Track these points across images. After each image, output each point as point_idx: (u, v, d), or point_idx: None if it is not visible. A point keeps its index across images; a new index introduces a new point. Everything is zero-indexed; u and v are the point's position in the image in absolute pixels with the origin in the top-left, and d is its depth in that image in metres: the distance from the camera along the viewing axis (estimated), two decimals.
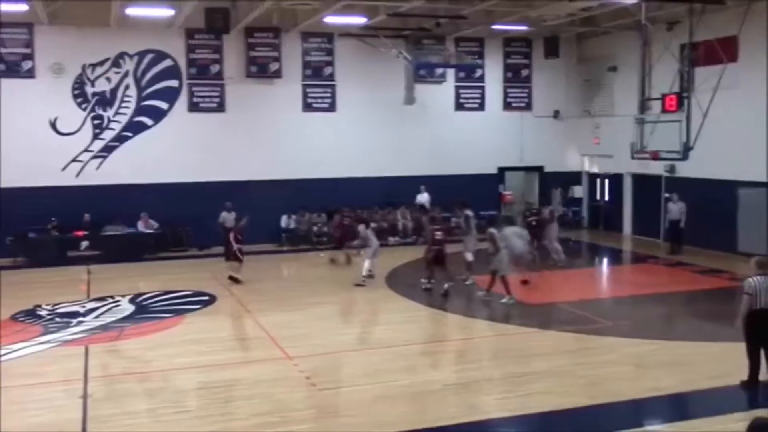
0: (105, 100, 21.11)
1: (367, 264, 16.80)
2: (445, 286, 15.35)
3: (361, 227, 17.21)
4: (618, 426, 8.49)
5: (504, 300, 14.64)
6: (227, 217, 19.27)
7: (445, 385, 10.04)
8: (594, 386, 9.85)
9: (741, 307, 9.56)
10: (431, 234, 16.02)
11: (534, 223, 18.64)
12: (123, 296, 15.65)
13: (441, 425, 8.53)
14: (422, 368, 11.10)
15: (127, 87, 21.27)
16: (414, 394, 9.70)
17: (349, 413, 9.11)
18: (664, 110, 17.24)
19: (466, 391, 9.88)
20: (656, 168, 21.23)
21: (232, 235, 17.21)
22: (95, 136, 21.10)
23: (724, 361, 10.52)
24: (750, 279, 9.56)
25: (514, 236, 15.63)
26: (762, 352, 9.60)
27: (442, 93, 24.25)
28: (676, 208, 20.40)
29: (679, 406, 9.47)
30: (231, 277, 17.12)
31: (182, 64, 21.63)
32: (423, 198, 22.64)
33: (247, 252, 20.62)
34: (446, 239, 16.14)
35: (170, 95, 21.63)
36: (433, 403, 9.34)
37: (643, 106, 18.43)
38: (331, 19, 19.91)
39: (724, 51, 17.32)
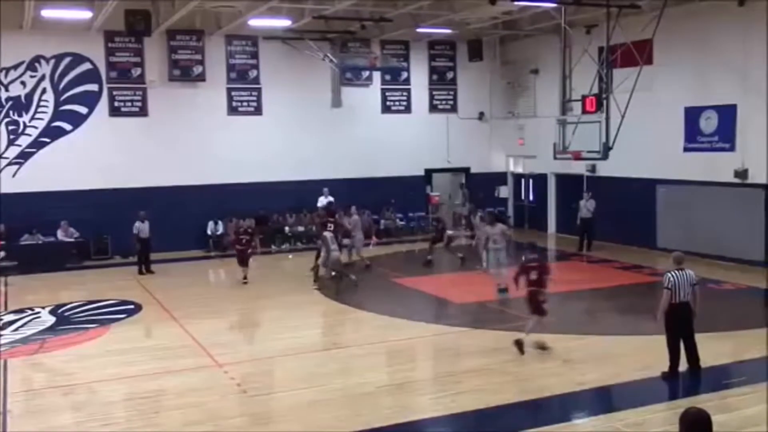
0: (20, 105, 20.35)
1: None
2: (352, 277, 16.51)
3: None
4: (547, 421, 8.67)
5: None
6: (141, 227, 18.75)
7: (378, 387, 10.08)
8: (523, 382, 10.06)
9: (661, 302, 9.92)
10: (320, 231, 17.43)
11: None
12: (43, 308, 15.13)
13: (375, 427, 8.55)
14: (355, 371, 11.09)
15: (43, 91, 20.55)
16: (348, 396, 9.70)
17: (283, 419, 9.02)
18: (584, 111, 17.72)
19: (400, 391, 9.93)
20: (578, 168, 21.81)
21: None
22: (10, 142, 20.31)
23: (646, 354, 10.88)
24: (669, 274, 9.92)
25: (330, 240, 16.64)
26: (681, 344, 9.97)
27: (368, 96, 24.30)
28: (586, 206, 21.12)
29: (605, 398, 9.73)
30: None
31: (102, 67, 21.01)
32: (324, 200, 22.10)
33: (173, 259, 20.38)
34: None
35: (90, 99, 20.98)
36: (367, 405, 9.34)
37: (565, 107, 18.88)
38: (255, 22, 19.68)
39: (639, 54, 17.88)
